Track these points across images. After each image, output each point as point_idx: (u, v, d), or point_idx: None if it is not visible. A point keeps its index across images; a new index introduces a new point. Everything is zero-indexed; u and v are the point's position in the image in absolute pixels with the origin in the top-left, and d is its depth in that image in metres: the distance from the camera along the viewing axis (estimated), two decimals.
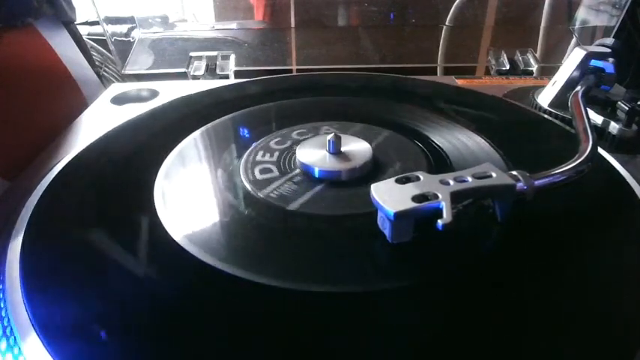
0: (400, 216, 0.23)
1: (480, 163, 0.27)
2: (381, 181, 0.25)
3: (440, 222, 0.22)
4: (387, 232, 0.24)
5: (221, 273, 0.23)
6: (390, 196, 0.24)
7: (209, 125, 0.39)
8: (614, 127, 0.39)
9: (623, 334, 0.21)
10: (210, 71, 0.59)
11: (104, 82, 0.61)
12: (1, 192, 0.35)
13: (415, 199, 0.23)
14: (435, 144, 0.36)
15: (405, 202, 0.23)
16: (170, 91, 0.50)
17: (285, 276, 0.23)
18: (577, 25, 0.64)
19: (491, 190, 0.25)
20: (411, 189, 0.24)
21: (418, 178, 0.25)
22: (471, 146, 0.35)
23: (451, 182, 0.24)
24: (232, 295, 0.23)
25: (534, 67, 0.61)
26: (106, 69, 0.69)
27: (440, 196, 0.23)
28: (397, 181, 0.25)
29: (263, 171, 0.32)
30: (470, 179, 0.25)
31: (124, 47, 0.61)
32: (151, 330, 0.21)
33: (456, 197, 0.24)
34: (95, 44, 0.68)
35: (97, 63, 0.64)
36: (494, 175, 0.25)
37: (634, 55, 0.59)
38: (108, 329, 0.21)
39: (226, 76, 0.59)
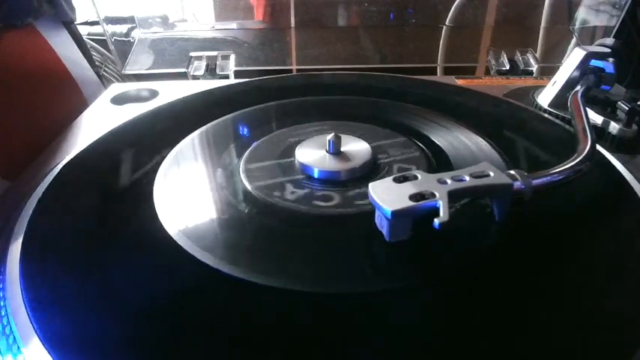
0: (397, 215, 0.23)
1: (479, 162, 0.27)
2: (379, 180, 0.25)
3: (437, 221, 0.22)
4: (384, 230, 0.24)
5: (221, 273, 0.23)
6: (388, 195, 0.24)
7: (209, 125, 0.39)
8: (614, 127, 0.39)
9: (623, 333, 0.21)
10: (211, 71, 0.59)
11: (104, 82, 0.61)
12: (1, 192, 0.35)
13: (412, 198, 0.23)
14: (435, 144, 0.36)
15: (403, 201, 0.23)
16: (170, 91, 0.50)
17: (282, 276, 0.23)
18: (577, 25, 0.64)
19: (489, 189, 0.25)
20: (409, 188, 0.24)
21: (416, 177, 0.25)
22: (471, 146, 0.35)
23: (448, 181, 0.24)
24: (232, 295, 0.23)
25: (534, 67, 0.60)
26: (106, 69, 0.69)
27: (437, 195, 0.23)
28: (395, 180, 0.25)
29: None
30: (467, 178, 0.25)
31: (124, 47, 0.61)
32: (151, 331, 0.21)
33: (453, 196, 0.24)
34: (95, 44, 0.68)
35: (97, 63, 0.64)
36: (491, 174, 0.25)
37: (634, 55, 0.59)
38: (108, 330, 0.21)
39: (226, 76, 0.59)
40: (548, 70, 0.59)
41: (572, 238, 0.27)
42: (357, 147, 0.33)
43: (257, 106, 0.43)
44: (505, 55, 0.62)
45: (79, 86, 0.54)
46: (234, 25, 0.68)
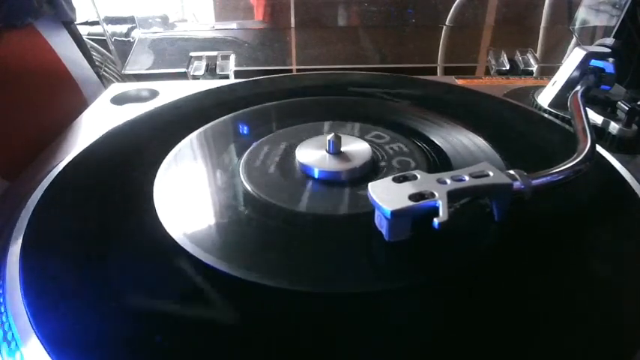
0: (397, 214, 0.23)
1: (479, 162, 0.27)
2: (379, 180, 0.25)
3: (436, 220, 0.22)
4: (384, 230, 0.24)
5: (221, 273, 0.23)
6: (388, 195, 0.24)
7: (209, 125, 0.39)
8: (614, 127, 0.39)
9: (623, 333, 0.21)
10: (211, 71, 0.59)
11: (104, 82, 0.61)
12: (1, 192, 0.35)
13: (412, 197, 0.23)
14: (435, 144, 0.36)
15: (402, 201, 0.23)
16: (170, 91, 0.50)
17: (282, 276, 0.23)
18: (577, 25, 0.64)
19: (489, 189, 0.25)
20: (408, 188, 0.24)
21: (415, 177, 0.25)
22: (471, 146, 0.35)
23: (448, 181, 0.24)
24: (232, 296, 0.23)
25: (534, 67, 0.60)
26: (106, 69, 0.69)
27: (437, 194, 0.23)
28: (394, 179, 0.25)
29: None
30: (467, 178, 0.25)
31: (124, 47, 0.61)
32: (151, 331, 0.21)
33: (452, 196, 0.24)
34: (95, 44, 0.69)
35: (97, 63, 0.64)
36: (491, 174, 0.25)
37: (634, 55, 0.59)
38: (108, 330, 0.21)
39: (226, 76, 0.59)
40: (548, 70, 0.59)
41: (572, 238, 0.27)
42: (357, 147, 0.33)
43: (257, 106, 0.43)
44: (505, 55, 0.62)
45: (79, 86, 0.54)
46: (234, 25, 0.68)
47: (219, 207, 0.29)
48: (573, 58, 0.44)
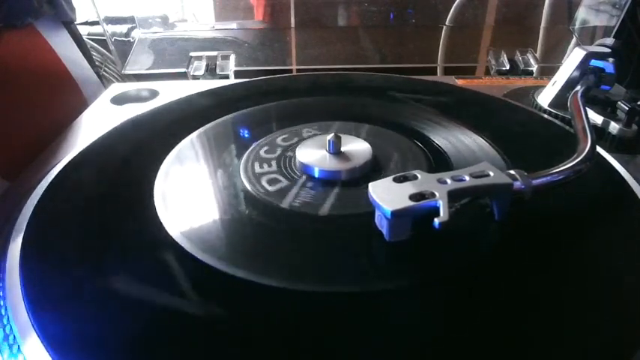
0: (397, 214, 0.23)
1: (479, 162, 0.27)
2: (379, 180, 0.25)
3: (437, 220, 0.22)
4: (384, 230, 0.24)
5: (221, 273, 0.23)
6: (388, 195, 0.24)
7: (209, 125, 0.39)
8: (614, 127, 0.39)
9: (623, 333, 0.21)
10: (211, 71, 0.59)
11: (104, 82, 0.61)
12: (1, 192, 0.35)
13: (412, 197, 0.23)
14: (435, 144, 0.36)
15: (403, 201, 0.23)
16: (170, 91, 0.50)
17: (282, 276, 0.23)
18: (577, 25, 0.64)
19: (489, 189, 0.25)
20: (409, 188, 0.24)
21: (416, 177, 0.25)
22: (471, 146, 0.35)
23: (448, 181, 0.24)
24: (232, 295, 0.23)
25: (534, 67, 0.60)
26: (106, 69, 0.69)
27: (437, 194, 0.23)
28: (395, 179, 0.25)
29: (263, 171, 0.32)
30: (467, 178, 0.25)
31: (124, 47, 0.62)
32: (151, 331, 0.21)
33: (453, 196, 0.24)
34: (95, 44, 0.69)
35: (97, 63, 0.64)
36: (491, 174, 0.25)
37: (634, 55, 0.59)
38: (108, 330, 0.21)
39: (226, 76, 0.59)
40: (548, 70, 0.59)
41: (572, 238, 0.27)
42: (357, 147, 0.33)
43: (257, 107, 0.43)
44: (505, 55, 0.62)
45: (79, 86, 0.54)
46: (234, 25, 0.68)
47: (219, 207, 0.29)
48: (573, 58, 0.44)
